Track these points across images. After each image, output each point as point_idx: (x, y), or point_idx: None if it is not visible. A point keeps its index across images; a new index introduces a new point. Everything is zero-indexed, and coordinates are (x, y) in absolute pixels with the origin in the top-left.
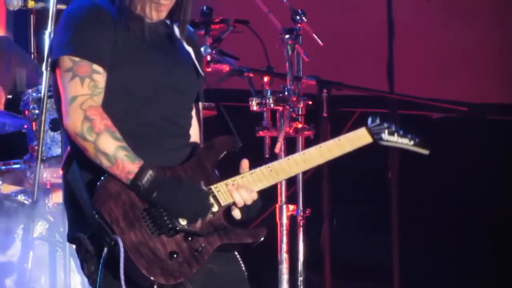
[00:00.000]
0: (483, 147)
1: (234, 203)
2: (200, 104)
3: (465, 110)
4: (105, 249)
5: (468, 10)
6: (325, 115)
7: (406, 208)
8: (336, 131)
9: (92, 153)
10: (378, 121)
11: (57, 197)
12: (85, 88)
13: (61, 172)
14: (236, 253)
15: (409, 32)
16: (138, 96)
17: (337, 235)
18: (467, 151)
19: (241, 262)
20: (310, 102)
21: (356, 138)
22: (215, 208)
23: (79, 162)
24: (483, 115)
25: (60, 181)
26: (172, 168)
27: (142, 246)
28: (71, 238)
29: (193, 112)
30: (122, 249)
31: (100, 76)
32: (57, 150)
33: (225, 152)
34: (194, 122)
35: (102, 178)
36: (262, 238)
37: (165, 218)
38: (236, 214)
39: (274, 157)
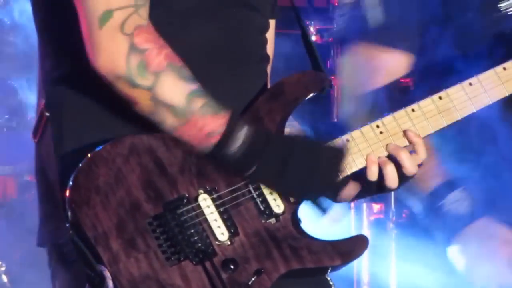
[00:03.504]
0: None
1: None
2: (274, 22)
3: None
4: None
5: None
6: None
7: None
8: None
9: (147, 107)
10: None
11: None
12: None
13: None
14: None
15: None
16: (180, 10)
17: None
18: None
19: None
20: None
21: None
22: (279, 208)
23: (59, 124)
24: None
25: None
26: None
27: (148, 283)
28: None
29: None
30: None
31: None
32: None
33: (303, 101)
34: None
35: (88, 155)
36: (359, 256)
37: (192, 230)
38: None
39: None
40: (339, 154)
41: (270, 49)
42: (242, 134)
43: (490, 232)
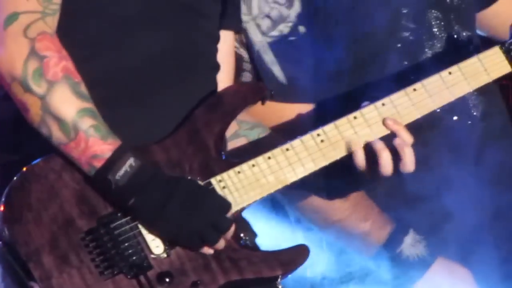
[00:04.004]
0: None
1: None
2: (232, 34)
3: None
4: None
5: None
6: None
7: None
8: None
9: (36, 116)
10: None
11: None
12: (32, 2)
13: None
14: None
15: None
16: (123, 17)
17: None
18: None
19: None
20: None
21: (481, 69)
22: None
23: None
24: None
25: None
26: (145, 149)
27: None
28: None
29: (222, 45)
30: None
31: None
32: None
33: (241, 111)
34: (224, 59)
35: (23, 171)
36: (300, 266)
37: (126, 244)
38: None
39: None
40: (223, 205)
41: (228, 62)
42: (127, 165)
43: (457, 275)
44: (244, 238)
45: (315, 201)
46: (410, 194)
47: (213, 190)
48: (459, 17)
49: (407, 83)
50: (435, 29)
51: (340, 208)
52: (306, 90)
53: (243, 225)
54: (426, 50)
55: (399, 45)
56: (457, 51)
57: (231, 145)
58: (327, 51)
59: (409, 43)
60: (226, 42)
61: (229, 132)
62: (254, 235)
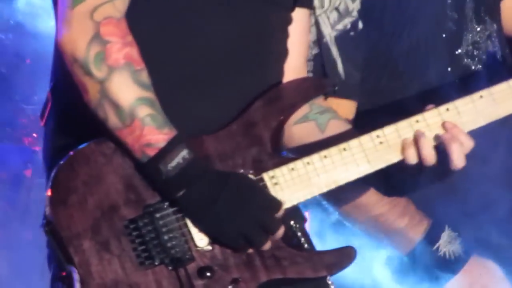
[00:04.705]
0: None
1: None
2: (307, 12)
3: None
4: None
5: None
6: None
7: None
8: None
9: (94, 98)
10: None
11: None
12: None
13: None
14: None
15: None
16: (186, 6)
17: None
18: None
19: None
20: None
21: None
22: None
23: (59, 112)
24: None
25: None
26: (199, 140)
27: (120, 287)
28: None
29: (296, 23)
30: None
31: None
32: None
33: (301, 107)
34: (297, 39)
35: (70, 153)
36: (346, 268)
37: (170, 235)
38: None
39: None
40: (273, 204)
41: (301, 42)
42: (180, 156)
43: (490, 273)
44: (294, 225)
45: (355, 196)
46: (446, 190)
47: (264, 187)
48: (488, 9)
49: (446, 76)
50: (469, 21)
51: (379, 203)
52: (358, 87)
53: (293, 211)
54: (464, 41)
55: (444, 35)
56: (486, 44)
57: (299, 127)
58: (378, 46)
59: (453, 33)
60: (301, 20)
61: (299, 114)
62: (303, 220)
